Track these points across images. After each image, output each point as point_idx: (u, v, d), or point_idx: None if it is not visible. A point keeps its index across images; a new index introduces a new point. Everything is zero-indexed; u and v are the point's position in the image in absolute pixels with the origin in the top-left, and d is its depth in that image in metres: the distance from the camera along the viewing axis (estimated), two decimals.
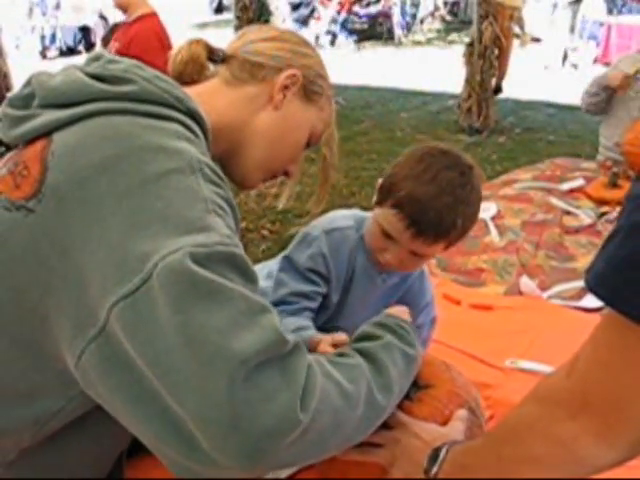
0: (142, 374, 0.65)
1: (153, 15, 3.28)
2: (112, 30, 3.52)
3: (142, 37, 3.12)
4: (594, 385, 0.63)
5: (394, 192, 1.09)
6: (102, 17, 12.89)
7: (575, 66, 9.10)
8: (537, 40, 10.29)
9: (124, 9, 3.27)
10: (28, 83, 0.86)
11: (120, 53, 3.07)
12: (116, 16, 12.60)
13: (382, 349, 0.89)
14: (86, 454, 0.86)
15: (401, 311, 1.02)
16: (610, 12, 9.97)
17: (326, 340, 1.03)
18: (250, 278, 0.71)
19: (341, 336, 1.02)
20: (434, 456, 0.88)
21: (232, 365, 0.62)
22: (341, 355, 0.86)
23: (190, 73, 0.98)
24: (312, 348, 1.05)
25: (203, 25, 14.28)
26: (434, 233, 1.08)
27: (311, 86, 1.00)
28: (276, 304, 1.19)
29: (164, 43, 3.20)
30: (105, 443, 0.87)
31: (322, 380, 0.72)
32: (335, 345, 1.00)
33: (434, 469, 0.87)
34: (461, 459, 0.85)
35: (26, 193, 0.75)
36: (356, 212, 1.29)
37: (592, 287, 0.60)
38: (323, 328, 1.17)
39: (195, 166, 0.74)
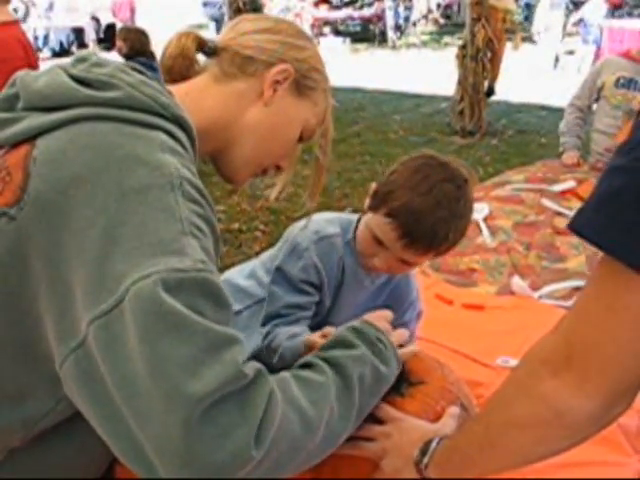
0: (112, 393, 0.67)
1: (15, 23, 3.09)
2: None
3: (5, 45, 2.91)
4: (575, 336, 0.64)
5: (389, 201, 1.08)
6: (94, 19, 12.87)
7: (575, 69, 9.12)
8: (534, 41, 10.36)
9: None
10: (13, 84, 0.85)
11: None
12: (107, 17, 12.57)
13: (354, 362, 0.87)
14: (75, 457, 0.86)
15: (382, 316, 1.00)
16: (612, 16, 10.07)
17: (318, 338, 1.04)
18: (221, 304, 0.71)
19: (330, 330, 1.03)
20: (425, 448, 0.89)
21: (189, 403, 0.63)
22: (311, 367, 0.85)
23: (179, 68, 0.96)
24: (310, 349, 1.06)
25: (197, 27, 14.28)
26: (427, 245, 1.08)
27: (304, 81, 0.97)
28: (272, 317, 1.21)
29: (28, 52, 3.07)
30: (94, 447, 0.87)
31: (283, 408, 0.72)
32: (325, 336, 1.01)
33: (425, 460, 0.88)
34: (451, 442, 0.86)
35: (8, 200, 0.75)
36: (340, 216, 1.28)
37: (574, 227, 0.61)
38: (312, 329, 1.18)
39: (175, 183, 0.72)
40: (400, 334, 0.99)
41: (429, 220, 1.05)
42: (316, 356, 0.89)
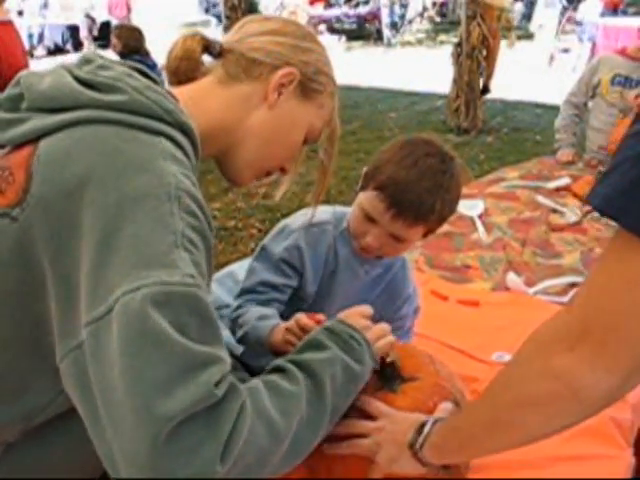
0: (97, 398, 0.68)
1: (10, 23, 3.04)
2: None
3: (7, 44, 2.86)
4: (593, 310, 0.63)
5: (377, 176, 1.12)
6: (89, 16, 12.84)
7: (568, 67, 9.12)
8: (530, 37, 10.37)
9: None
10: (17, 83, 0.84)
11: None
12: (103, 15, 12.52)
13: (325, 365, 0.87)
14: (71, 453, 0.87)
15: (359, 312, 1.00)
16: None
17: (289, 327, 1.05)
18: (207, 321, 0.71)
19: (302, 319, 1.03)
20: (420, 429, 0.89)
21: (158, 421, 0.64)
22: (283, 372, 0.85)
23: (185, 70, 0.95)
24: (274, 337, 1.08)
25: (192, 24, 14.24)
26: (414, 215, 1.10)
27: (310, 84, 0.96)
28: (246, 292, 1.22)
29: (24, 51, 3.07)
30: (90, 443, 0.88)
31: (252, 420, 0.72)
32: (304, 330, 1.01)
33: (420, 439, 0.88)
34: (451, 423, 0.86)
35: (10, 200, 0.75)
36: (336, 208, 1.30)
37: (600, 208, 0.61)
38: None
39: (173, 193, 0.72)
40: (380, 328, 1.00)
41: (415, 190, 1.09)
42: (288, 360, 0.89)
